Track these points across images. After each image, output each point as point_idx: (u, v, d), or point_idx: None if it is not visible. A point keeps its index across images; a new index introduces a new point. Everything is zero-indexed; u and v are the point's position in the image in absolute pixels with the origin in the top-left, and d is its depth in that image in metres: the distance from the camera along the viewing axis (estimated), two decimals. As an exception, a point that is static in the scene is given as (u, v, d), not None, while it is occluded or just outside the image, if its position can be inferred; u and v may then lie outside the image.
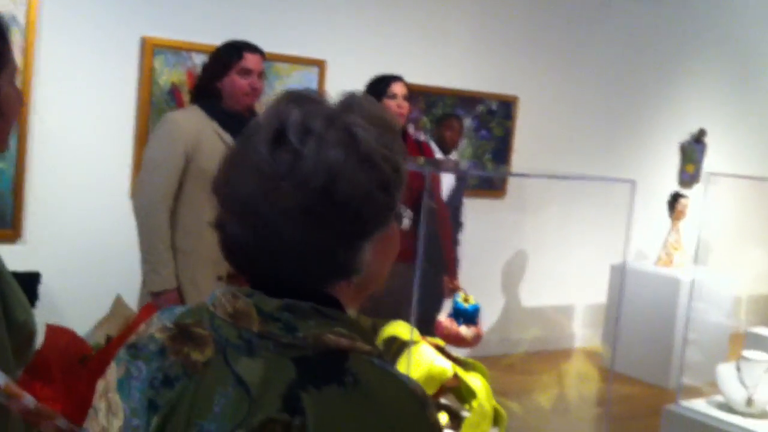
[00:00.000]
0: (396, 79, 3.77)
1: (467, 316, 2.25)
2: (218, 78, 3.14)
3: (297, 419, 0.89)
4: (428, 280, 3.53)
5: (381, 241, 1.01)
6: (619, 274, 5.63)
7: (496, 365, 5.46)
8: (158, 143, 3.10)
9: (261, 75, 3.20)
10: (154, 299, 3.02)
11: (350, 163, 0.95)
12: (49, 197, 4.15)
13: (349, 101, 1.02)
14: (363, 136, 0.97)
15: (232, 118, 3.08)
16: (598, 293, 5.91)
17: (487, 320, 5.80)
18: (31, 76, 4.02)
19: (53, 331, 1.53)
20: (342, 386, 0.91)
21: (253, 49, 3.21)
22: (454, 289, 3.37)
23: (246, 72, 3.13)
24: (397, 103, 3.66)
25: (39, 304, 3.70)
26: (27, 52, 4.00)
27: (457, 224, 4.60)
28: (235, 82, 3.12)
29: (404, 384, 0.96)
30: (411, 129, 4.17)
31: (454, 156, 5.05)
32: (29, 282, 3.71)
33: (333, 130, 0.96)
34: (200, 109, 3.13)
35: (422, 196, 3.65)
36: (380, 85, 3.73)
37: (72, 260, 4.22)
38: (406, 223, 1.10)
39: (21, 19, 3.97)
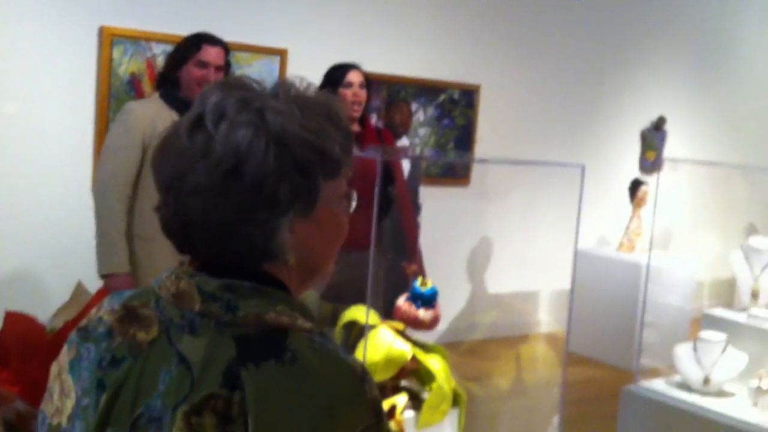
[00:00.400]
0: (352, 67, 3.77)
1: (425, 299, 2.27)
2: (177, 67, 3.20)
3: (237, 394, 0.91)
4: (390, 266, 3.55)
5: (311, 224, 1.03)
6: (584, 260, 5.69)
7: (461, 351, 5.51)
8: (116, 132, 3.16)
9: (220, 68, 3.22)
10: (104, 282, 3.06)
11: (258, 144, 0.97)
12: (9, 188, 4.10)
13: (276, 87, 1.04)
14: (273, 118, 0.99)
15: (181, 104, 3.12)
16: (563, 279, 5.95)
17: (454, 306, 5.85)
18: (-14, 66, 3.97)
19: (11, 317, 1.53)
20: (281, 362, 0.94)
21: (213, 41, 3.25)
22: (413, 273, 3.39)
23: (202, 64, 3.17)
24: (352, 92, 3.67)
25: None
26: (-18, 42, 3.95)
27: (415, 207, 4.62)
28: (190, 72, 3.17)
29: (343, 360, 0.98)
30: (373, 118, 4.16)
31: (405, 140, 5.07)
32: None
33: (245, 113, 0.99)
34: (160, 99, 3.19)
35: (383, 183, 3.69)
36: (336, 74, 3.73)
37: (34, 250, 4.18)
38: (352, 207, 1.11)
39: (-25, 8, 3.91)
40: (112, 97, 4.29)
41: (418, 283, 2.32)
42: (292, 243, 1.02)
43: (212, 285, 0.99)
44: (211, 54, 3.19)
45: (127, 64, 4.33)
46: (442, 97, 5.62)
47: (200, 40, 3.23)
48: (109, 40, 4.27)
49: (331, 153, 1.03)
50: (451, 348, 5.43)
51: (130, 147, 3.07)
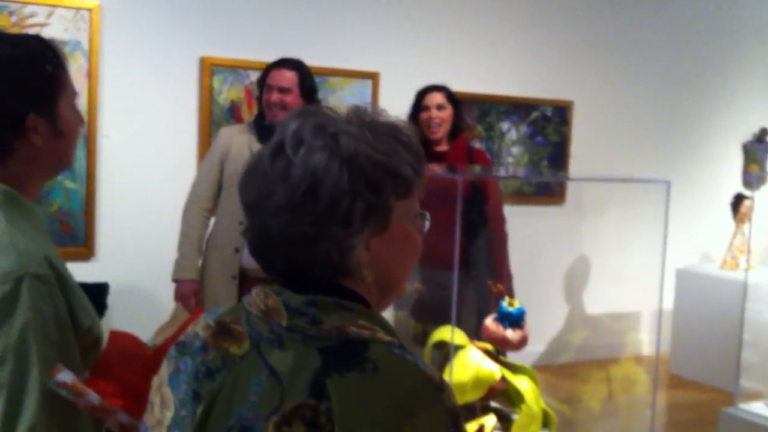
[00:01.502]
0: (431, 89, 3.83)
1: (512, 319, 2.28)
2: (260, 94, 3.50)
3: (323, 404, 0.97)
4: (478, 286, 3.54)
5: (385, 242, 1.10)
6: (686, 279, 5.55)
7: (556, 372, 5.44)
8: (206, 154, 3.59)
9: (286, 90, 3.39)
10: (175, 286, 3.45)
11: (333, 167, 1.04)
12: (119, 215, 4.31)
13: (350, 113, 1.12)
14: (346, 141, 1.06)
15: (268, 131, 3.34)
16: (665, 298, 5.82)
17: (549, 327, 5.78)
18: (97, 97, 4.20)
19: (116, 335, 1.63)
20: (363, 372, 0.99)
21: (279, 65, 3.46)
22: (499, 293, 3.37)
23: (269, 88, 3.40)
24: (428, 114, 3.75)
25: (108, 313, 3.86)
26: (91, 74, 4.18)
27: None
28: (264, 97, 3.44)
29: (421, 370, 1.03)
30: (467, 137, 4.19)
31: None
32: (98, 292, 3.90)
33: (320, 138, 1.06)
34: (249, 123, 3.55)
35: (473, 202, 3.70)
36: (417, 97, 3.82)
37: (142, 274, 4.38)
38: (426, 226, 1.17)
39: (84, 43, 4.15)
40: (213, 124, 4.47)
41: (505, 303, 2.33)
42: (368, 260, 1.09)
43: (297, 301, 1.06)
44: (275, 77, 3.41)
45: (226, 92, 4.51)
46: (534, 115, 5.59)
47: (270, 66, 3.49)
48: (209, 69, 4.45)
49: (402, 173, 1.09)
50: (545, 370, 5.39)
51: (209, 167, 3.48)
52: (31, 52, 1.47)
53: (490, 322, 2.33)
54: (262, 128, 3.43)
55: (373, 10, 4.96)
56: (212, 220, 3.54)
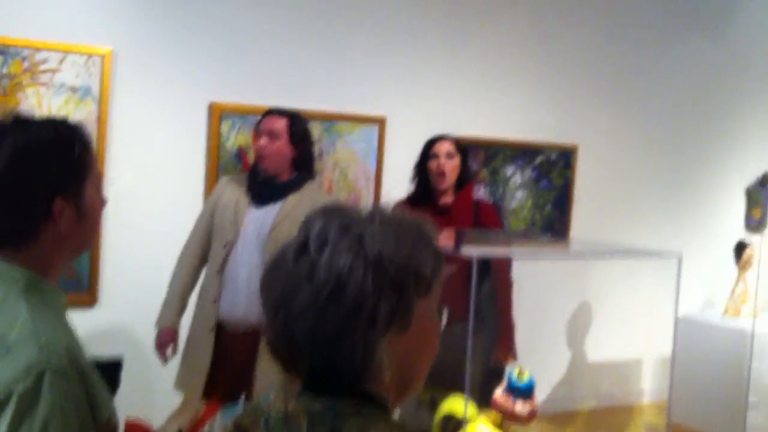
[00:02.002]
0: (439, 139, 3.86)
1: (522, 392, 2.28)
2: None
3: None
4: (483, 339, 3.55)
5: (406, 341, 1.11)
6: (688, 326, 5.55)
7: (560, 421, 5.43)
8: None
9: (277, 135, 3.42)
10: (156, 333, 3.54)
11: (358, 268, 1.06)
12: (124, 261, 4.32)
13: (372, 211, 1.15)
14: (371, 243, 1.08)
15: (255, 182, 3.49)
16: (666, 346, 5.82)
17: (552, 375, 5.77)
18: (105, 142, 4.22)
19: (131, 428, 1.65)
20: None
21: (272, 112, 3.52)
22: (505, 359, 3.38)
23: (259, 133, 3.46)
24: (437, 163, 3.77)
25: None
26: (101, 119, 4.21)
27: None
28: (254, 144, 3.53)
29: None
30: (474, 188, 4.21)
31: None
32: (111, 371, 3.82)
33: (346, 240, 1.08)
34: (246, 172, 3.64)
35: (485, 277, 3.70)
36: (425, 147, 3.85)
37: (146, 321, 4.37)
38: (443, 322, 1.21)
39: (95, 89, 4.18)
40: (221, 169, 4.49)
41: (515, 374, 2.34)
42: (390, 360, 1.09)
43: (317, 407, 1.08)
44: (266, 123, 3.45)
45: (234, 138, 4.53)
46: (539, 159, 5.62)
47: (263, 114, 3.55)
48: (218, 114, 4.48)
49: (423, 273, 1.12)
50: (549, 419, 5.37)
51: (201, 216, 3.60)
52: (59, 136, 1.50)
53: (499, 394, 2.34)
54: (252, 180, 3.49)
55: (380, 56, 5.00)
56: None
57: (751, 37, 6.48)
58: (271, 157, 3.41)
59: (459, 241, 3.05)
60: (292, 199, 3.43)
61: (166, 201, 4.42)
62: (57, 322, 1.46)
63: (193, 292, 3.63)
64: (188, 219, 4.39)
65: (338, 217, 1.12)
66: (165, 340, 3.54)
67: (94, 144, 1.58)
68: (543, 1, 5.56)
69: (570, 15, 5.67)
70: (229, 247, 3.41)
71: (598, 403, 5.93)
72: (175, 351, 3.59)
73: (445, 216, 3.73)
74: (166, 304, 3.56)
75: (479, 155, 5.31)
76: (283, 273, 1.11)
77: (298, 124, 3.48)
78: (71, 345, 1.44)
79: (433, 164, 3.75)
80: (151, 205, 4.38)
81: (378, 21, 4.98)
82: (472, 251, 2.01)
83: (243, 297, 3.41)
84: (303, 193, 3.45)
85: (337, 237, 1.08)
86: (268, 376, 3.38)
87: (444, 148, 3.77)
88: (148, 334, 4.35)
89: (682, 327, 5.64)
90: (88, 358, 1.50)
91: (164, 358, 3.58)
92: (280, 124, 3.42)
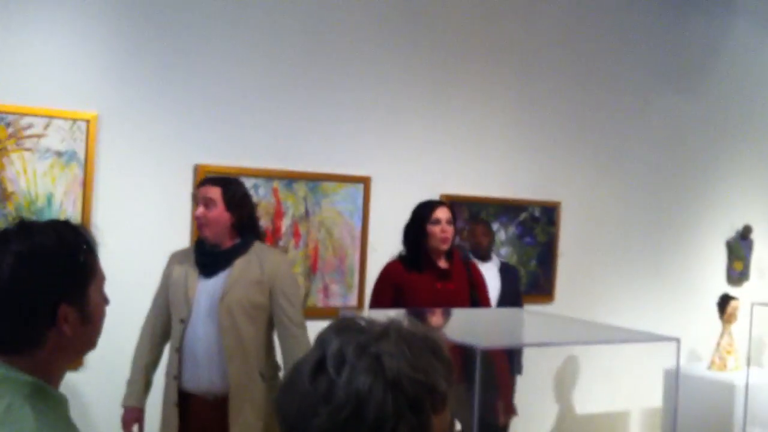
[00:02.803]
0: (439, 204, 3.90)
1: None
2: None
3: None
4: (489, 413, 3.56)
5: None
6: (673, 379, 5.55)
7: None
8: None
9: (209, 202, 3.43)
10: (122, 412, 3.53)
11: (377, 389, 1.05)
12: (110, 325, 4.23)
13: (387, 328, 1.13)
14: (390, 363, 1.07)
15: (202, 253, 3.51)
16: (653, 397, 5.83)
17: (543, 429, 5.74)
18: (91, 206, 4.19)
19: None
20: None
21: (203, 182, 3.58)
22: (508, 417, 3.41)
23: (196, 201, 3.51)
24: (440, 228, 3.78)
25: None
26: (86, 183, 4.19)
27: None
28: (193, 212, 3.60)
29: None
30: (461, 252, 4.24)
31: (495, 258, 5.06)
32: None
33: (364, 359, 1.07)
34: (192, 245, 3.69)
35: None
36: (424, 211, 3.85)
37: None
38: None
39: (81, 153, 4.17)
40: (206, 230, 4.46)
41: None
42: None
43: None
44: (200, 193, 3.48)
45: (219, 199, 4.51)
46: (523, 215, 5.66)
47: (200, 182, 3.62)
48: (204, 176, 4.46)
49: (439, 389, 1.11)
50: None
51: (158, 292, 3.61)
52: (63, 243, 1.48)
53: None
54: (199, 252, 3.52)
55: (364, 116, 5.04)
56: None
57: (727, 92, 6.62)
58: (209, 225, 3.43)
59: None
60: (240, 263, 3.43)
61: (151, 264, 4.35)
62: (63, 428, 1.43)
63: (157, 368, 3.64)
64: (174, 282, 4.38)
65: (354, 335, 1.11)
66: (129, 418, 3.54)
67: (95, 243, 1.55)
68: (525, 61, 5.65)
69: (551, 75, 5.76)
70: (185, 323, 3.43)
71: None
72: (141, 430, 3.58)
73: (446, 280, 3.78)
74: (130, 383, 3.56)
75: (463, 212, 5.34)
76: (299, 392, 1.09)
77: (231, 190, 3.47)
78: None
79: (436, 230, 3.78)
80: (137, 269, 4.33)
81: (362, 82, 5.03)
82: (477, 341, 2.01)
83: (204, 370, 3.43)
84: (250, 255, 3.46)
85: (355, 357, 1.07)
86: None
87: (445, 214, 3.82)
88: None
89: (667, 380, 5.66)
90: None
91: None
92: (214, 193, 3.43)
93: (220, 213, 3.41)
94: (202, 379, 3.42)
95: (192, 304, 3.41)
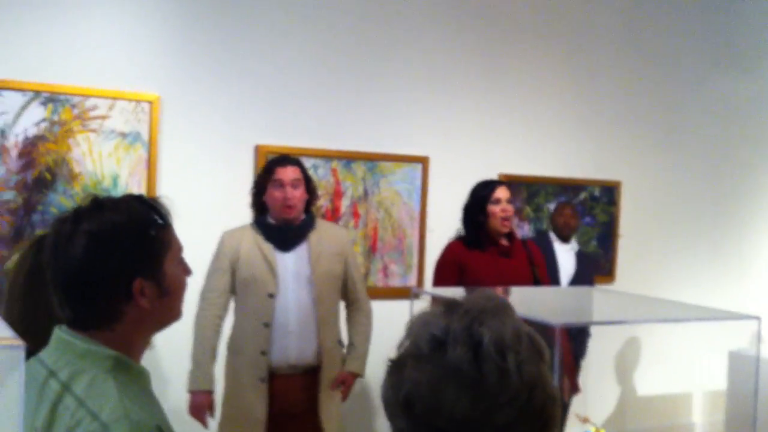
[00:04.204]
0: (499, 184, 3.86)
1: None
2: (261, 193, 3.54)
3: None
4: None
5: None
6: (739, 361, 5.43)
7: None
8: (212, 259, 3.59)
9: (296, 183, 3.46)
10: (189, 397, 3.43)
11: (543, 373, 1.04)
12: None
13: (505, 306, 1.10)
14: (541, 344, 1.06)
15: (274, 229, 3.50)
16: (717, 379, 5.72)
17: (605, 411, 5.68)
18: (155, 185, 4.24)
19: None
20: None
21: (283, 162, 3.53)
22: (584, 421, 3.39)
23: (278, 183, 3.46)
24: (501, 208, 3.75)
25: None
26: (150, 165, 4.23)
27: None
28: (271, 194, 3.49)
29: None
30: (517, 232, 4.22)
31: (573, 243, 5.02)
32: None
33: (523, 342, 1.05)
34: (251, 225, 3.58)
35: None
36: (484, 191, 3.82)
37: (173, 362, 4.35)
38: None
39: (144, 134, 4.21)
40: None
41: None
42: None
43: None
44: (282, 173, 3.47)
45: (280, 179, 4.53)
46: (582, 195, 5.58)
47: (272, 164, 3.56)
48: (264, 156, 4.49)
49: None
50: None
51: (219, 274, 3.49)
52: (135, 217, 1.49)
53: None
54: (267, 227, 3.52)
55: (422, 96, 5.00)
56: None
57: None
58: (298, 205, 3.49)
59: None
60: (314, 238, 3.53)
61: (214, 243, 4.40)
62: (145, 400, 1.44)
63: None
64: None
65: (494, 318, 1.06)
66: (203, 403, 3.45)
67: (168, 216, 1.55)
68: (581, 41, 5.56)
69: (607, 53, 5.66)
70: (274, 297, 3.42)
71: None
72: (212, 414, 3.53)
73: (507, 258, 3.76)
74: (199, 366, 3.46)
75: (522, 192, 5.28)
76: (463, 384, 1.02)
77: (305, 169, 3.60)
78: (161, 421, 1.43)
79: (497, 209, 3.76)
80: (201, 247, 4.36)
81: (417, 62, 4.99)
82: (554, 319, 1.97)
83: (295, 342, 3.44)
84: (319, 230, 3.57)
85: (515, 341, 1.04)
86: (330, 412, 3.45)
87: (505, 193, 3.79)
88: (173, 368, 4.35)
89: (732, 362, 5.54)
90: None
91: (206, 423, 3.49)
92: (298, 173, 3.50)
93: (303, 193, 3.50)
94: (291, 351, 3.43)
95: (279, 278, 3.43)
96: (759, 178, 6.39)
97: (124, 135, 4.17)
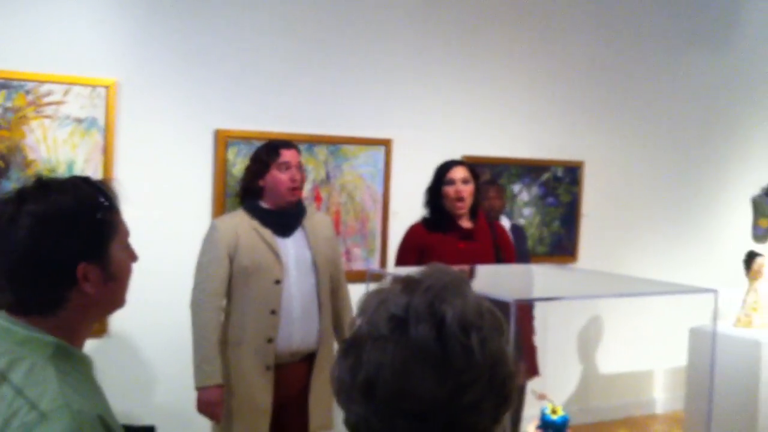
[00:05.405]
0: (454, 164, 3.83)
1: (556, 428, 2.25)
2: (260, 176, 3.40)
3: None
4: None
5: None
6: (698, 337, 5.51)
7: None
8: (204, 249, 3.42)
9: (300, 167, 3.43)
10: (198, 394, 3.27)
11: (503, 349, 1.03)
12: (132, 290, 4.26)
13: (461, 280, 1.08)
14: (503, 319, 1.05)
15: (271, 214, 3.40)
16: (678, 356, 5.80)
17: (567, 389, 5.74)
18: (111, 172, 4.18)
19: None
20: None
21: (288, 145, 3.46)
22: (541, 397, 3.40)
23: (285, 166, 3.37)
24: (454, 188, 3.73)
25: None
26: (107, 150, 4.17)
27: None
28: (276, 177, 3.37)
29: None
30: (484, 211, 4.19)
31: (505, 220, 4.97)
32: None
33: (485, 318, 1.03)
34: (243, 211, 3.43)
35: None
36: (440, 172, 3.80)
37: (156, 354, 4.34)
38: None
39: (101, 120, 4.15)
40: (228, 196, 4.45)
41: (548, 410, 2.30)
42: None
43: None
44: (289, 155, 3.40)
45: (241, 164, 4.48)
46: (546, 176, 5.60)
47: (276, 146, 3.45)
48: (224, 141, 4.45)
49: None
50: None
51: (217, 263, 3.33)
52: (81, 199, 1.45)
53: (532, 430, 2.30)
54: (263, 212, 3.41)
55: (385, 78, 4.97)
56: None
57: (753, 48, 6.49)
58: (300, 188, 3.46)
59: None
60: (307, 223, 3.48)
61: (173, 229, 4.37)
62: (87, 389, 1.41)
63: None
64: (196, 246, 4.35)
65: (453, 295, 1.03)
66: (216, 398, 3.27)
67: (116, 199, 1.51)
68: (546, 20, 5.55)
69: (573, 32, 5.66)
70: (281, 283, 3.34)
71: (612, 415, 5.89)
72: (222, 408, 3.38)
73: (469, 240, 3.73)
74: (207, 360, 3.26)
75: (485, 173, 5.27)
76: (427, 365, 0.99)
77: (300, 155, 3.53)
78: (103, 410, 1.40)
79: (450, 190, 3.71)
80: (159, 233, 4.33)
81: (382, 44, 4.96)
82: (509, 295, 1.98)
83: (299, 328, 3.38)
84: (309, 215, 3.53)
85: (477, 317, 1.02)
86: (320, 398, 3.42)
87: (460, 173, 3.74)
88: (157, 362, 4.33)
89: (693, 339, 5.62)
90: (120, 425, 1.45)
91: (219, 418, 3.33)
92: (298, 157, 3.45)
93: (303, 176, 3.48)
94: (295, 338, 3.36)
95: (283, 263, 3.36)
96: (723, 159, 6.45)
97: (79, 121, 4.10)
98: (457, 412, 0.98)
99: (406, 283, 1.05)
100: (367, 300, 1.07)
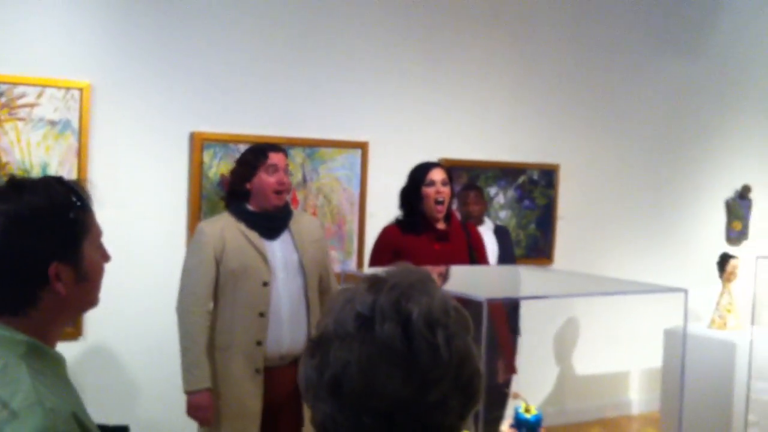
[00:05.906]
0: (433, 165, 3.83)
1: (530, 426, 2.26)
2: (247, 179, 3.37)
3: None
4: (491, 385, 3.55)
5: None
6: (673, 339, 5.56)
7: (552, 439, 5.41)
8: (190, 253, 3.40)
9: (287, 171, 3.41)
10: (187, 398, 3.24)
11: (470, 347, 1.04)
12: (107, 292, 4.22)
13: (427, 279, 1.09)
14: (469, 317, 1.06)
15: (258, 217, 3.37)
16: (654, 357, 5.85)
17: (543, 390, 5.77)
18: (86, 174, 4.15)
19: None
20: None
21: (276, 149, 3.44)
22: (515, 397, 3.41)
23: (273, 169, 3.34)
24: (435, 190, 3.72)
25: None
26: (81, 153, 4.14)
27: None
28: (263, 180, 3.34)
29: None
30: (457, 214, 4.20)
31: (488, 222, 4.98)
32: None
33: (451, 315, 1.04)
34: (229, 214, 3.40)
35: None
36: (419, 173, 3.79)
37: (131, 358, 4.31)
38: None
39: (75, 122, 4.12)
40: (204, 198, 4.44)
41: (521, 409, 2.31)
42: None
43: None
44: (277, 158, 3.38)
45: (217, 167, 4.48)
46: (521, 179, 5.63)
47: (264, 149, 3.43)
48: (199, 144, 4.43)
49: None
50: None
51: (204, 266, 3.29)
52: (53, 200, 1.44)
53: (506, 429, 2.31)
54: (249, 215, 3.38)
55: (360, 81, 4.98)
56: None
57: (725, 53, 6.56)
58: (287, 191, 3.43)
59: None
60: (294, 226, 3.46)
61: (149, 231, 4.36)
62: (60, 387, 1.41)
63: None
64: (172, 248, 4.34)
65: (421, 294, 1.04)
66: (206, 402, 3.24)
67: (88, 199, 1.51)
68: (521, 24, 5.59)
69: (548, 37, 5.70)
70: (269, 285, 3.31)
71: (588, 416, 5.93)
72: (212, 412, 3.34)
73: (444, 242, 3.73)
74: (196, 365, 3.23)
75: (462, 177, 5.30)
76: (393, 364, 1.00)
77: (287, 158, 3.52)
78: (76, 408, 1.40)
79: (430, 191, 3.71)
80: (134, 236, 4.31)
81: (359, 47, 4.97)
82: (481, 294, 1.98)
83: (287, 331, 3.35)
84: (296, 217, 3.51)
85: (443, 315, 1.03)
86: None
87: (439, 175, 3.74)
88: (131, 364, 4.31)
89: (668, 340, 5.67)
90: (94, 423, 1.45)
91: (209, 422, 3.29)
92: (286, 160, 3.44)
93: (289, 179, 3.46)
94: (284, 340, 3.33)
95: (270, 265, 3.33)
96: (698, 162, 6.51)
97: (53, 123, 4.08)
98: (423, 410, 1.00)
99: (372, 282, 1.06)
100: (334, 299, 1.08)
